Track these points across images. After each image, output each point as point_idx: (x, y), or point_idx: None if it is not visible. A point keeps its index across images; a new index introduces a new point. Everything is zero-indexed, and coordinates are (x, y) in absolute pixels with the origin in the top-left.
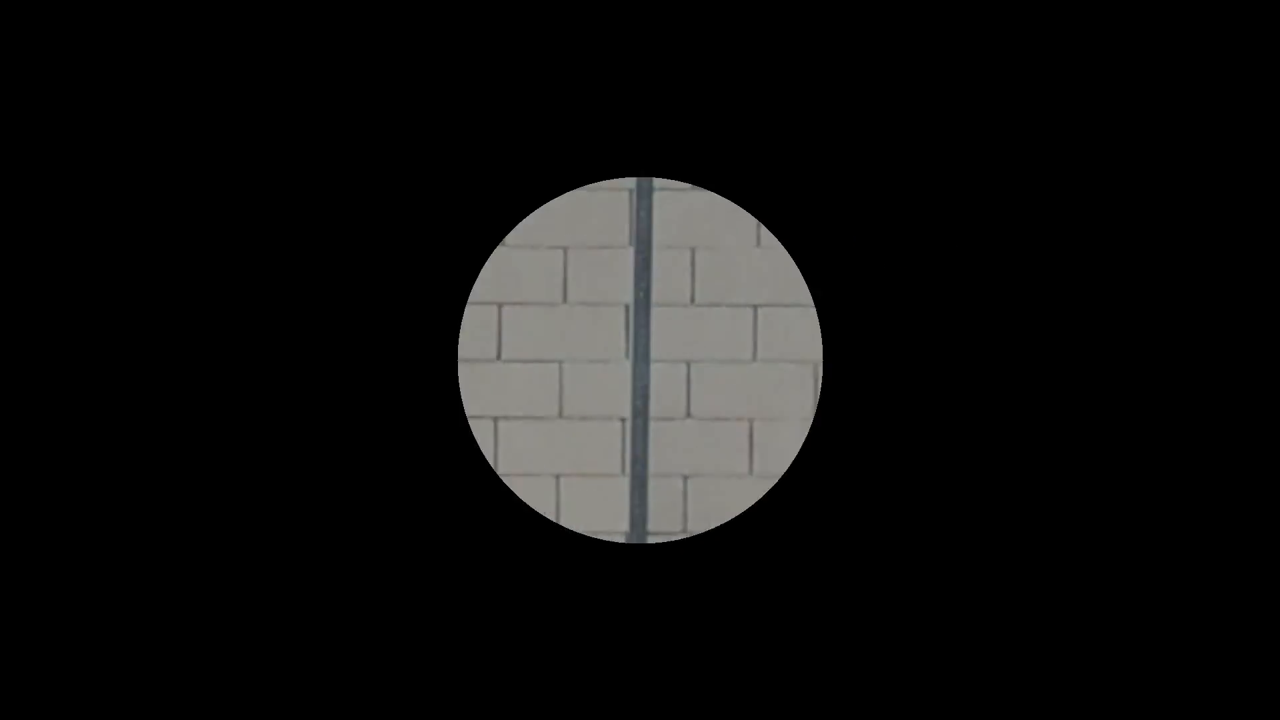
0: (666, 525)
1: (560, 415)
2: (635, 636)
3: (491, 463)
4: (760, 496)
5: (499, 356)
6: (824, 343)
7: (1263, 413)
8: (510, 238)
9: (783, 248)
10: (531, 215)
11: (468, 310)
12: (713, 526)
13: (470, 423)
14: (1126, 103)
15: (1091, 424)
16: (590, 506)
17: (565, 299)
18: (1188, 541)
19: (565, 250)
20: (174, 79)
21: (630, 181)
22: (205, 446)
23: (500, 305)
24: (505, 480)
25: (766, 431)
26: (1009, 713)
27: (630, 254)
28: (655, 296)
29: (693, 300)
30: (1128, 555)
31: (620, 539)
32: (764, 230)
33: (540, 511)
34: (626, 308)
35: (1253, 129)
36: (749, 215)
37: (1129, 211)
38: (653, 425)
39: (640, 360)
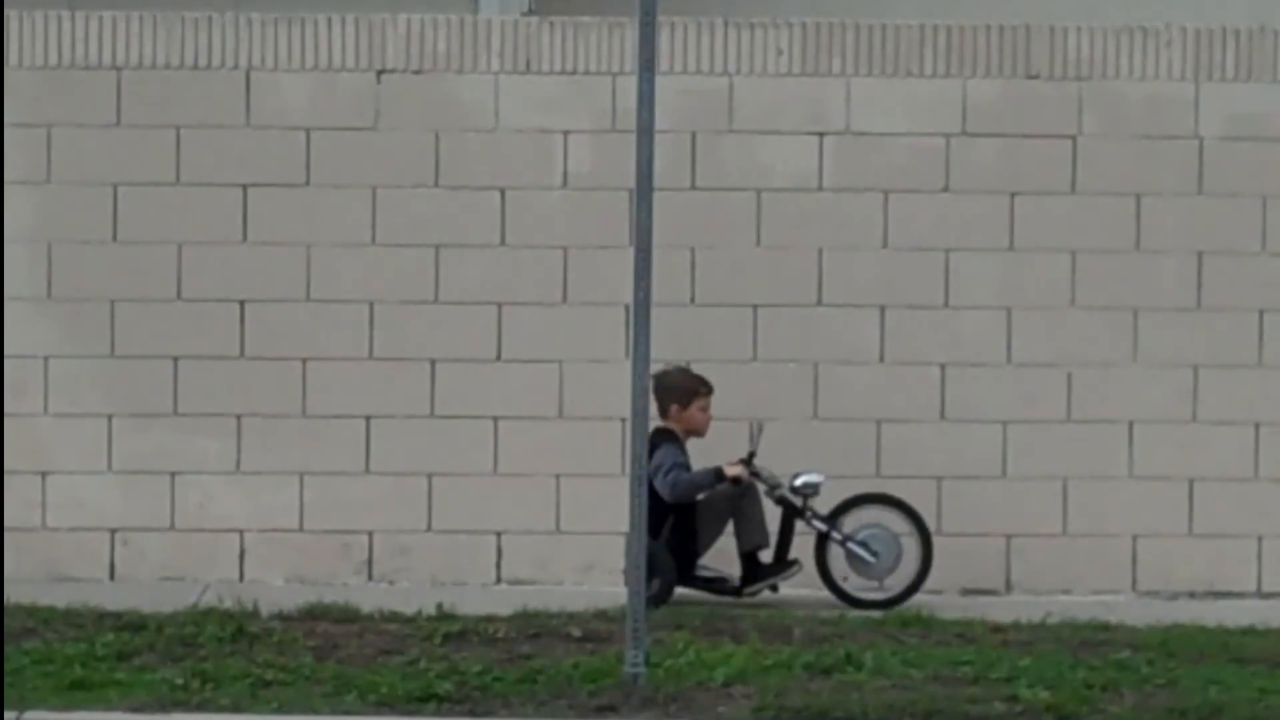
0: None
1: (560, 415)
2: None
3: (491, 462)
4: None
5: (499, 356)
6: None
7: None
8: (510, 237)
9: (783, 248)
10: (531, 215)
11: (466, 309)
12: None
13: (470, 423)
14: None
15: None
16: (590, 506)
17: (565, 299)
18: None
19: (565, 250)
20: None
21: (630, 181)
22: None
23: (500, 305)
24: (504, 479)
25: (767, 431)
26: None
27: (630, 254)
28: (655, 296)
29: (693, 300)
30: None
31: (620, 539)
32: (764, 230)
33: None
34: (626, 308)
35: None
36: (749, 215)
37: None
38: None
39: (640, 360)
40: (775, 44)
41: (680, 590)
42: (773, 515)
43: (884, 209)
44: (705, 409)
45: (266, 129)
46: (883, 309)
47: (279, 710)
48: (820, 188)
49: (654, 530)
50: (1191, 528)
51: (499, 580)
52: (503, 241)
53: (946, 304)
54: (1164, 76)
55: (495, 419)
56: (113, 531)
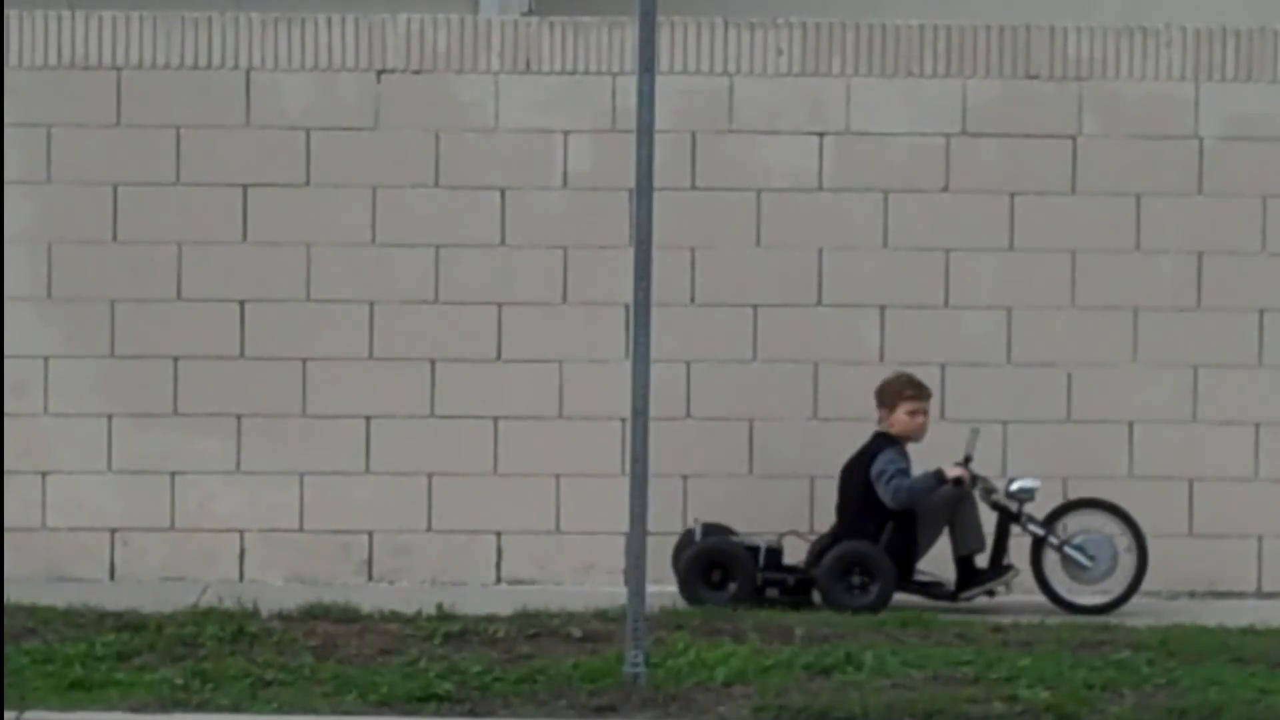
0: (666, 525)
1: (560, 415)
2: None
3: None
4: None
5: (499, 356)
6: None
7: None
8: (510, 237)
9: (783, 248)
10: (531, 215)
11: (467, 309)
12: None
13: (470, 423)
14: None
15: None
16: (590, 506)
17: (565, 299)
18: None
19: (565, 250)
20: None
21: (630, 181)
22: None
23: (500, 305)
24: (505, 480)
25: (766, 431)
26: None
27: (630, 254)
28: (655, 296)
29: (693, 300)
30: None
31: (620, 539)
32: (764, 230)
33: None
34: (626, 308)
35: None
36: (749, 215)
37: None
38: (653, 425)
39: (640, 360)
40: (775, 44)
41: (896, 595)
42: (988, 520)
43: (884, 209)
44: (914, 413)
45: (266, 129)
46: (883, 309)
47: (279, 710)
48: (820, 188)
49: (873, 534)
50: (1191, 528)
51: (499, 580)
52: (503, 241)
53: (946, 304)
54: (1164, 76)
55: (495, 419)
56: (113, 531)
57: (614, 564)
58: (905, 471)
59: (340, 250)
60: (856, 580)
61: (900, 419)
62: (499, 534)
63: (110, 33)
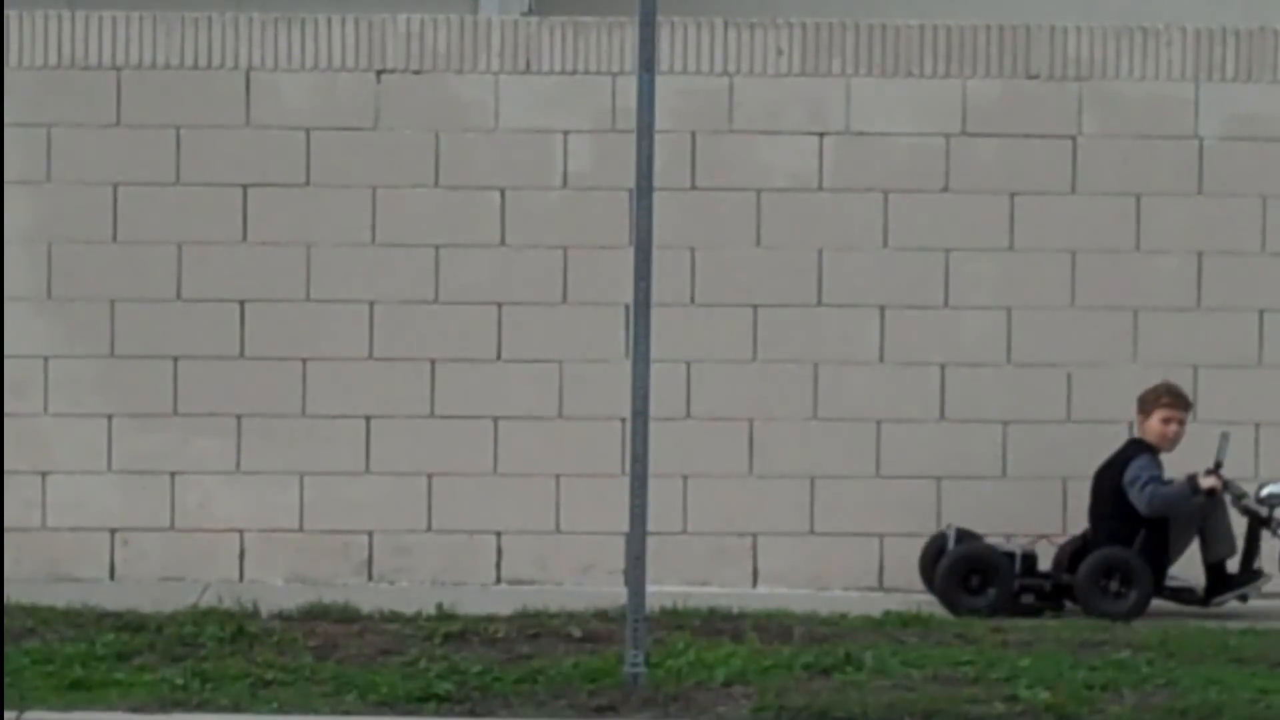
0: (666, 525)
1: (560, 415)
2: None
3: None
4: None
5: (499, 356)
6: None
7: None
8: (510, 237)
9: (783, 248)
10: (531, 215)
11: (467, 309)
12: (711, 526)
13: (470, 423)
14: None
15: None
16: (590, 506)
17: (565, 299)
18: None
19: (565, 250)
20: None
21: (630, 181)
22: None
23: (500, 305)
24: (505, 480)
25: (766, 431)
26: None
27: (630, 254)
28: (655, 296)
29: (693, 300)
30: None
31: (620, 539)
32: (764, 230)
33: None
34: (626, 308)
35: None
36: (749, 215)
37: None
38: (653, 425)
39: (640, 360)
40: (775, 44)
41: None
42: (1237, 524)
43: (884, 209)
44: (1167, 420)
45: (266, 129)
46: (883, 309)
47: (279, 710)
48: (820, 188)
49: (1125, 540)
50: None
51: (499, 580)
52: (503, 241)
53: (946, 304)
54: (1164, 76)
55: (495, 419)
56: (113, 531)
57: (614, 564)
58: (1158, 478)
59: (340, 250)
60: (1114, 587)
61: (1154, 426)
62: (499, 534)
63: (110, 33)
